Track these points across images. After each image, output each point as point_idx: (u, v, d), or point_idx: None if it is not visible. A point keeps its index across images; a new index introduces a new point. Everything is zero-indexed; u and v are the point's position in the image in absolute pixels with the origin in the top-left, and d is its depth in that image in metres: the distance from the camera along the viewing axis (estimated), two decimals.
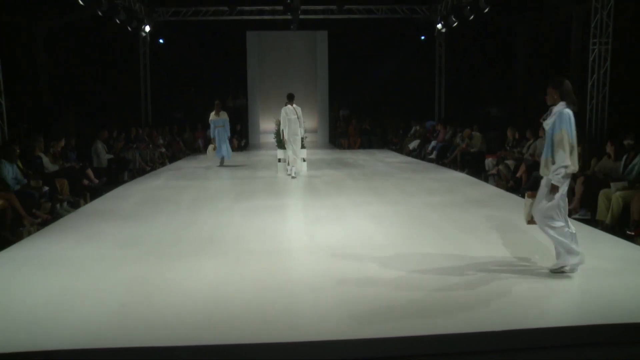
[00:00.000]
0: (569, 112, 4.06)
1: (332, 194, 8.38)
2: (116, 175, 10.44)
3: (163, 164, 13.25)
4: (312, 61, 21.26)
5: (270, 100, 20.75)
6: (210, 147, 13.28)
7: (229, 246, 5.42)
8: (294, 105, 10.47)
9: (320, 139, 21.32)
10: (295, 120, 10.45)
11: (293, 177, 10.26)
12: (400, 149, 16.00)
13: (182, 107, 19.80)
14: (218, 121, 13.36)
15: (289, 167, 10.68)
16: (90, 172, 9.12)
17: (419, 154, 14.12)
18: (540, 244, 5.19)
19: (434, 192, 8.46)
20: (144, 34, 16.76)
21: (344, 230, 5.99)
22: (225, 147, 12.93)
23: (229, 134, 13.52)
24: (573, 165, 4.08)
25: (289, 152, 10.60)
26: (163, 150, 13.77)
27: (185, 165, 13.39)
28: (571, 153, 4.05)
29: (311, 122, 20.53)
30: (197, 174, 11.54)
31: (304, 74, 21.51)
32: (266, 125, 20.17)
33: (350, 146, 17.70)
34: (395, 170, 11.47)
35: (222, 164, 13.24)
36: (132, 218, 6.81)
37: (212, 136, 13.19)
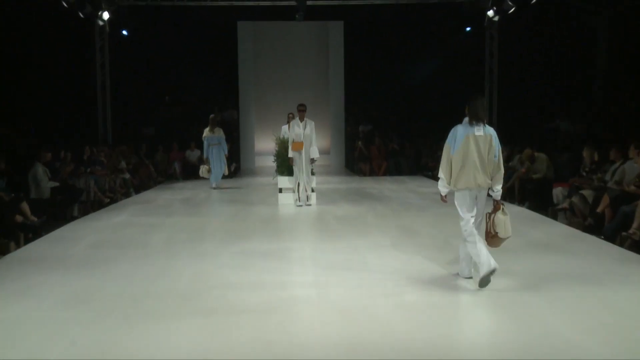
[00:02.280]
0: (458, 127, 5.90)
1: (349, 235, 8.46)
2: (62, 209, 10.48)
3: (127, 195, 13.38)
4: (323, 61, 21.75)
5: (268, 112, 21.40)
6: (204, 167, 14.33)
7: (213, 304, 5.40)
8: (306, 118, 11.07)
9: (334, 163, 21.62)
10: (303, 137, 11.02)
11: (308, 205, 11.28)
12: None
13: (153, 120, 20.10)
14: (213, 138, 14.42)
15: (298, 195, 11.27)
16: (25, 205, 8.89)
17: None
18: None
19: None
20: (101, 23, 16.95)
21: (364, 283, 6.01)
22: (222, 168, 14.32)
23: (227, 153, 14.55)
24: (465, 182, 5.85)
25: (300, 175, 11.27)
26: (127, 176, 13.92)
27: (157, 196, 13.53)
28: (461, 169, 5.85)
29: (322, 141, 20.73)
30: (172, 208, 11.64)
31: (312, 77, 22.09)
32: (263, 145, 20.67)
33: (372, 172, 17.86)
34: (432, 203, 11.49)
35: (214, 187, 14.47)
36: (84, 267, 6.86)
37: (205, 156, 14.38)
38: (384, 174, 17.69)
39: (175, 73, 20.17)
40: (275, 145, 12.18)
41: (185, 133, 18.93)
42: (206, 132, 14.53)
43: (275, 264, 6.80)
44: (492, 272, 5.75)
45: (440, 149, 17.34)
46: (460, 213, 6.03)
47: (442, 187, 6.12)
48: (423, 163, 17.99)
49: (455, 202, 6.08)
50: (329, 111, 21.45)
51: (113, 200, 12.43)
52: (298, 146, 11.06)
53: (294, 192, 11.47)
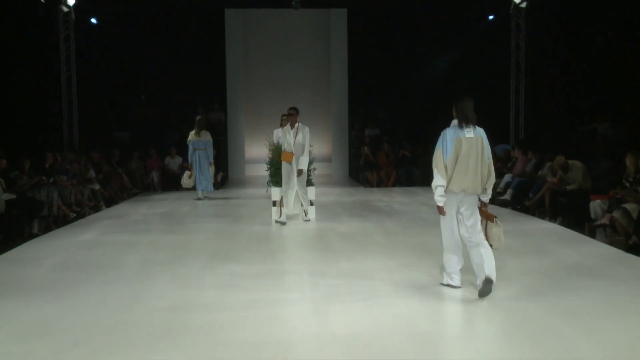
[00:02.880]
0: (447, 131, 6.50)
1: (354, 256, 8.48)
2: (20, 225, 10.46)
3: (96, 209, 13.39)
4: (324, 55, 21.84)
5: (260, 114, 21.50)
6: (187, 174, 14.87)
7: (195, 337, 5.37)
8: (298, 124, 11.16)
9: (337, 172, 21.68)
10: (294, 146, 11.08)
11: (306, 220, 11.41)
12: None
13: (128, 123, 20.13)
14: (199, 143, 14.78)
15: (283, 209, 11.26)
16: None
17: (512, 200, 14.09)
18: None
19: (511, 253, 8.46)
20: (65, 9, 16.98)
21: (371, 311, 6.02)
22: (206, 176, 14.74)
23: (212, 160, 14.92)
24: (459, 184, 6.40)
25: (290, 189, 11.18)
26: (96, 187, 13.92)
27: (132, 210, 13.55)
28: (453, 174, 6.39)
29: (322, 147, 21.02)
30: (149, 223, 11.64)
31: (311, 74, 22.15)
32: (254, 151, 20.72)
33: (380, 183, 17.92)
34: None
35: (201, 198, 14.87)
36: (45, 293, 6.82)
37: (190, 162, 14.86)
38: (394, 185, 17.73)
39: (153, 68, 20.15)
40: (269, 152, 12.19)
41: (164, 137, 18.93)
42: (192, 135, 14.71)
43: (268, 290, 6.78)
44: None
45: None
46: (443, 220, 6.64)
47: (441, 196, 6.52)
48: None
49: (445, 217, 6.61)
50: (331, 113, 21.49)
51: (80, 215, 12.42)
52: (287, 157, 11.09)
53: (274, 205, 11.47)
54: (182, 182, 15.15)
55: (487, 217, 6.61)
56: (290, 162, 11.09)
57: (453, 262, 6.70)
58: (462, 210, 6.55)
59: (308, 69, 22.11)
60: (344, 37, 21.20)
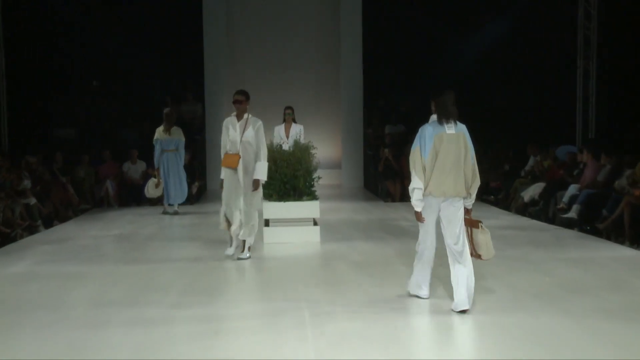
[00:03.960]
0: (425, 127, 7.44)
1: (370, 292, 8.52)
2: None
3: (32, 230, 13.41)
4: (331, 34, 21.99)
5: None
6: (152, 181, 14.98)
7: None
8: (248, 115, 10.55)
9: (348, 182, 21.80)
10: (241, 145, 10.52)
11: (242, 258, 10.57)
12: (506, 201, 16.27)
13: (74, 117, 20.13)
14: (168, 142, 14.89)
15: (230, 238, 10.68)
16: None
17: (544, 211, 14.32)
18: None
19: (579, 289, 8.49)
20: None
21: None
22: (176, 185, 14.81)
23: (185, 163, 15.06)
24: (439, 187, 7.31)
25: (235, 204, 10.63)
26: (32, 201, 13.91)
27: (79, 231, 13.58)
28: (432, 175, 7.32)
29: (328, 150, 21.19)
30: (102, 249, 11.64)
31: (314, 58, 22.37)
32: None
33: (405, 196, 17.60)
34: (495, 243, 11.38)
35: (169, 212, 14.97)
36: None
37: (156, 166, 14.95)
38: None
39: (107, 48, 20.14)
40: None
41: (123, 136, 18.93)
42: (159, 132, 14.81)
43: (259, 336, 6.75)
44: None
45: (505, 157, 17.69)
46: (423, 227, 7.60)
47: (419, 200, 7.43)
48: (481, 181, 17.86)
49: (423, 212, 7.52)
50: (341, 105, 21.52)
51: (9, 239, 12.41)
52: (230, 160, 10.43)
53: (219, 226, 10.82)
54: (145, 193, 15.17)
55: (471, 225, 7.44)
56: (235, 169, 10.40)
57: (424, 273, 7.78)
58: (444, 217, 7.42)
59: (310, 51, 22.20)
60: (357, 9, 21.19)
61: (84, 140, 19.00)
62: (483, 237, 7.37)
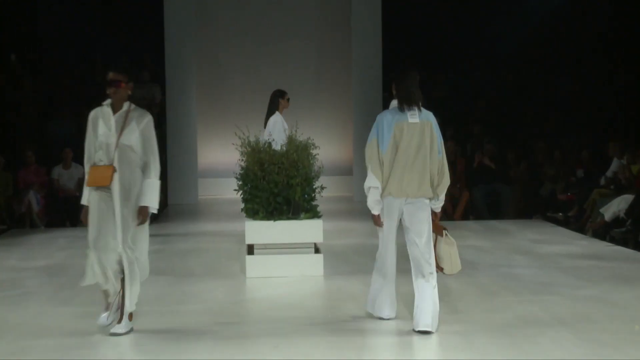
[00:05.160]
0: (384, 114, 8.19)
1: (389, 346, 8.44)
2: None
3: None
4: None
5: (227, 89, 22.05)
6: None
7: None
8: (130, 106, 9.29)
9: (363, 194, 20.73)
10: (118, 152, 9.09)
11: (116, 333, 8.86)
12: (579, 220, 16.24)
13: None
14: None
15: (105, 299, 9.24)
16: None
17: (633, 233, 14.30)
18: None
19: None
20: None
21: None
22: None
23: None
24: (400, 187, 8.03)
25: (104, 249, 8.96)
26: None
27: None
28: (391, 172, 8.08)
29: (336, 151, 21.55)
30: (23, 286, 11.60)
31: (316, 22, 22.56)
32: (216, 156, 21.32)
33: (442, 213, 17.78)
34: (565, 277, 11.75)
35: None
36: None
37: None
38: (465, 216, 17.95)
39: (29, 9, 20.10)
40: (241, 156, 12.15)
41: (51, 130, 18.87)
42: None
43: None
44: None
45: (578, 160, 17.62)
46: (383, 234, 8.26)
47: (375, 202, 8.22)
48: (544, 193, 18.15)
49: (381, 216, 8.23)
50: (352, 90, 21.70)
51: None
52: (99, 176, 8.86)
53: (85, 281, 9.13)
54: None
55: (435, 231, 8.17)
56: (106, 189, 8.92)
57: (387, 289, 8.60)
58: (407, 220, 8.15)
59: (312, 12, 22.20)
60: None
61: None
62: (447, 247, 8.05)
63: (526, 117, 20.13)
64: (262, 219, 11.73)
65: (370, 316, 9.08)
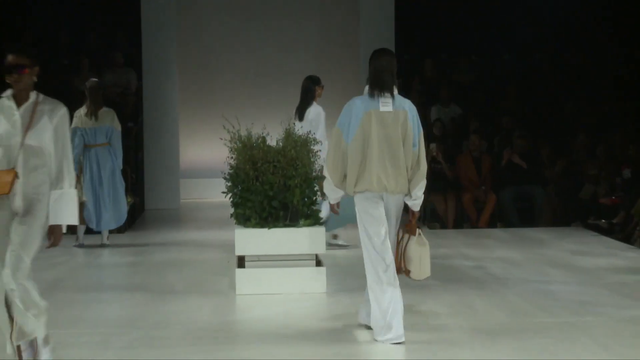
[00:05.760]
0: (354, 101, 8.60)
1: None
2: None
3: None
4: None
5: (216, 73, 22.01)
6: None
7: None
8: (36, 97, 8.61)
9: None
10: (20, 152, 8.50)
11: None
12: (626, 228, 16.19)
13: None
14: (94, 132, 14.98)
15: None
16: None
17: None
18: None
19: None
20: None
21: None
22: (109, 200, 14.83)
23: (121, 166, 15.22)
24: (366, 183, 8.34)
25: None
26: None
27: None
28: (360, 165, 8.34)
29: None
30: None
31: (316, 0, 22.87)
32: (201, 153, 21.53)
33: (464, 218, 18.20)
34: (610, 295, 11.74)
35: (83, 244, 14.97)
36: None
37: (76, 168, 14.12)
38: (490, 223, 17.95)
39: None
40: (230, 153, 12.17)
41: None
42: (79, 117, 14.84)
43: None
44: (391, 341, 8.66)
45: (624, 157, 17.55)
46: (364, 234, 8.62)
47: (330, 190, 8.71)
48: (584, 197, 18.07)
49: (357, 218, 8.63)
50: (358, 79, 21.41)
51: None
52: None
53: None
54: None
55: (408, 231, 8.55)
56: (6, 197, 8.33)
57: (386, 299, 8.60)
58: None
59: None
60: None
61: None
62: (419, 249, 8.36)
63: (564, 107, 20.09)
64: (255, 226, 11.65)
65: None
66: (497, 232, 17.05)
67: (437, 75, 21.33)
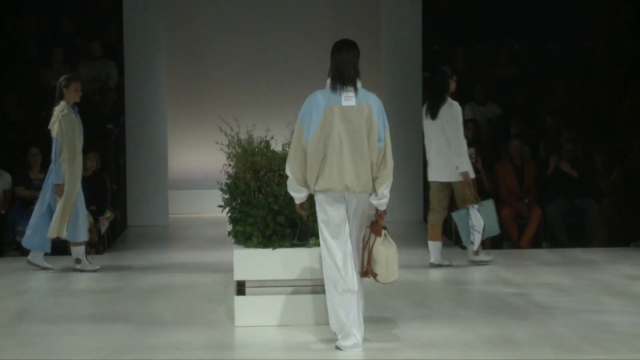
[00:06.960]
0: (315, 95, 9.14)
1: None
2: None
3: None
4: None
5: (204, 65, 22.28)
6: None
7: None
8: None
9: (397, 213, 22.03)
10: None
11: None
12: None
13: None
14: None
15: None
16: None
17: None
18: None
19: None
20: None
21: None
22: (77, 214, 15.16)
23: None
24: (327, 182, 9.06)
25: None
26: None
27: None
28: (322, 162, 9.01)
29: None
30: None
31: None
32: (195, 159, 21.77)
33: (503, 237, 18.12)
34: None
35: (39, 265, 15.24)
36: None
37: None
38: (534, 242, 18.01)
39: None
40: (227, 160, 12.13)
41: None
42: (59, 115, 14.75)
43: None
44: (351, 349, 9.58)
45: None
46: (321, 235, 9.35)
47: (294, 190, 9.46)
48: None
49: (318, 217, 9.37)
50: (381, 66, 21.93)
51: None
52: None
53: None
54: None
55: (374, 231, 9.12)
56: None
57: (348, 305, 9.46)
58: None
59: None
60: None
61: None
62: (384, 250, 8.97)
63: (621, 106, 20.09)
64: (257, 246, 11.51)
65: None
66: (543, 252, 17.05)
67: (471, 67, 21.34)
